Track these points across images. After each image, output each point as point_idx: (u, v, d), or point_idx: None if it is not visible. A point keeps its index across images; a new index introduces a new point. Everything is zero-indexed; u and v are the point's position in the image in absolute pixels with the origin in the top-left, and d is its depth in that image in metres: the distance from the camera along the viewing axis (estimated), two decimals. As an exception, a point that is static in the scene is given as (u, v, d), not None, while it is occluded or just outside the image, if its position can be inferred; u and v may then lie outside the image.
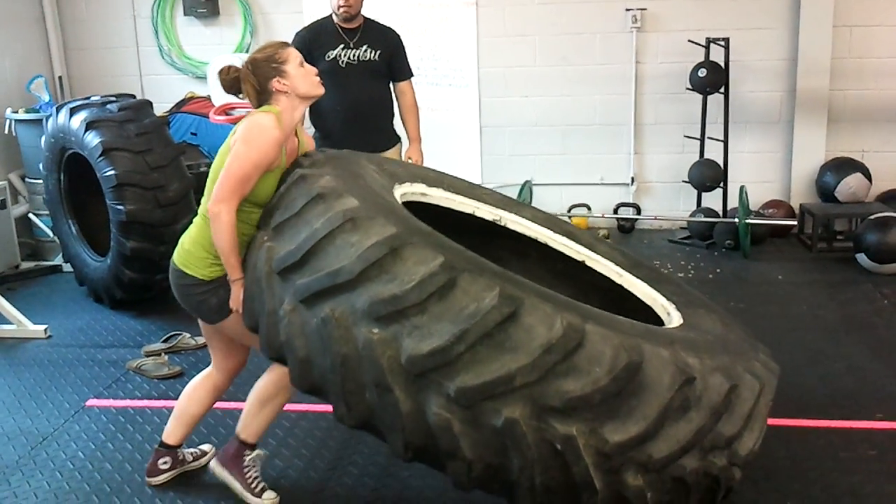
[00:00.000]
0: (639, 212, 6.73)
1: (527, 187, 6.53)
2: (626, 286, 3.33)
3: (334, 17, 4.49)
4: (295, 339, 2.43)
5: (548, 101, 6.64)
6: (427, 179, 3.38)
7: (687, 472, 2.34)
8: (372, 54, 4.48)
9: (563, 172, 6.75)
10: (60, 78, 7.06)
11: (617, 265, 3.41)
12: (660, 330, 2.68)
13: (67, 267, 5.70)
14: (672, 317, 3.00)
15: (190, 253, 2.84)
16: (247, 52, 6.85)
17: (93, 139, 4.81)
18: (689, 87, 6.22)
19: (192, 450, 3.28)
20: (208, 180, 2.85)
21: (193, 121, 6.77)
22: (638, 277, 3.33)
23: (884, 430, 3.42)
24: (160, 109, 6.69)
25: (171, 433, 3.17)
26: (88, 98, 5.26)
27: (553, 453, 2.23)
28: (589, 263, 3.46)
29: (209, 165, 6.80)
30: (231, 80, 2.89)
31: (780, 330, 4.48)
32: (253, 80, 2.84)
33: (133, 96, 5.82)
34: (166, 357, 4.22)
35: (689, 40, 6.28)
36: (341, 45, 4.43)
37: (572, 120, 6.68)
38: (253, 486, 2.98)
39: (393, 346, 2.26)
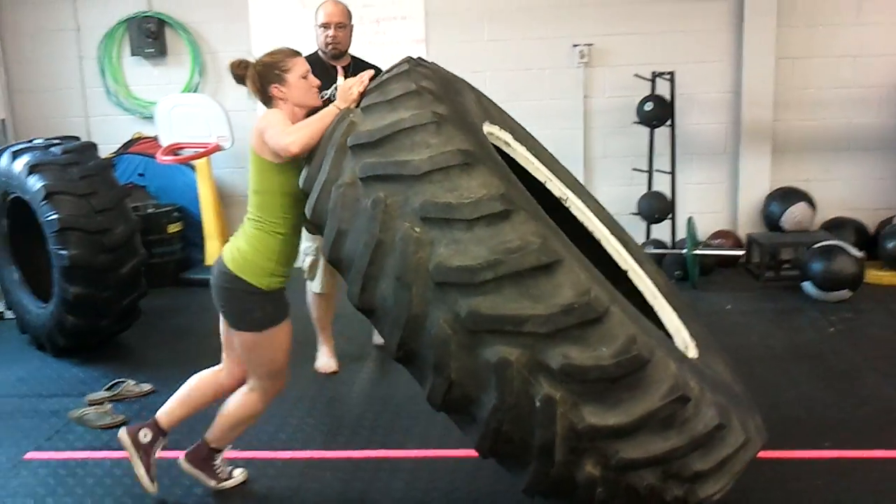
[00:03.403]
0: (591, 244, 6.76)
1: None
2: (656, 309, 3.32)
3: (321, 54, 4.36)
4: (342, 209, 2.47)
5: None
6: (515, 132, 3.42)
7: (643, 485, 2.35)
8: None
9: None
10: (3, 121, 6.93)
11: (656, 286, 3.41)
12: (677, 348, 2.71)
13: (10, 314, 5.56)
14: (689, 352, 3.01)
15: (250, 261, 2.89)
16: (195, 91, 6.82)
17: (35, 183, 4.72)
18: (637, 120, 6.30)
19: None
20: (250, 192, 2.94)
21: (140, 162, 6.72)
22: (671, 306, 3.33)
23: (832, 458, 3.44)
24: (106, 151, 6.64)
25: (164, 412, 3.22)
26: (31, 141, 5.17)
27: (530, 408, 2.25)
28: (631, 275, 3.45)
29: (156, 206, 6.77)
30: (239, 75, 2.98)
31: (731, 360, 4.49)
32: (256, 81, 2.94)
33: (77, 138, 5.77)
34: (110, 406, 4.11)
35: (636, 75, 6.37)
36: (335, 85, 4.25)
37: (523, 154, 6.70)
38: (221, 474, 3.25)
39: (426, 249, 2.30)
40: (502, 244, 2.25)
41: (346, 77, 4.23)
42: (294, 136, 2.75)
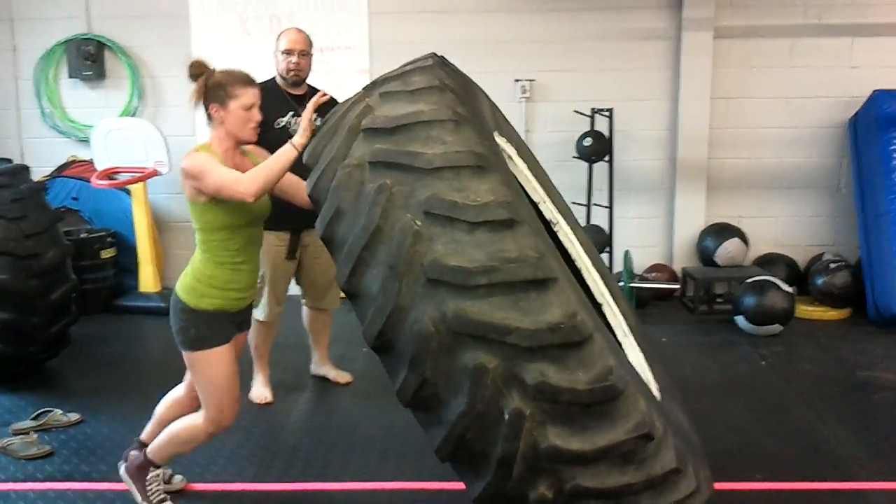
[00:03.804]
0: (531, 276, 6.81)
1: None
2: (625, 346, 3.32)
3: (279, 80, 4.31)
4: (344, 190, 2.43)
5: None
6: (520, 148, 3.43)
7: None
8: (320, 122, 4.34)
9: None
10: (-68, 140, 6.74)
11: (628, 325, 3.42)
12: (647, 386, 2.73)
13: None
14: (653, 393, 3.00)
15: (188, 282, 2.97)
16: (133, 115, 6.71)
17: (-37, 206, 4.58)
18: (576, 155, 6.40)
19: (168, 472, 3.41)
20: (196, 229, 2.98)
21: (74, 185, 6.58)
22: (639, 346, 3.34)
23: (763, 490, 3.49)
24: (40, 174, 6.48)
25: (146, 432, 3.33)
26: (-40, 162, 5.02)
27: (497, 419, 2.23)
28: (605, 309, 3.45)
29: (90, 231, 6.62)
30: (193, 76, 2.98)
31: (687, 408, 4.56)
32: (202, 89, 2.96)
33: (10, 160, 5.63)
34: (35, 436, 3.97)
35: (576, 111, 6.48)
36: (291, 113, 4.23)
37: (464, 186, 6.74)
38: (152, 497, 3.21)
39: (424, 244, 2.27)
40: (501, 252, 2.24)
41: (302, 106, 4.23)
42: (247, 185, 2.77)
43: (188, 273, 3.00)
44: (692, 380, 4.83)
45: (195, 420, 3.10)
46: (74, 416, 4.21)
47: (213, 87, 2.94)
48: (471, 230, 2.27)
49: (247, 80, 3.00)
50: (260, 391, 4.45)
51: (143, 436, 3.34)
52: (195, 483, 3.52)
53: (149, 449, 3.21)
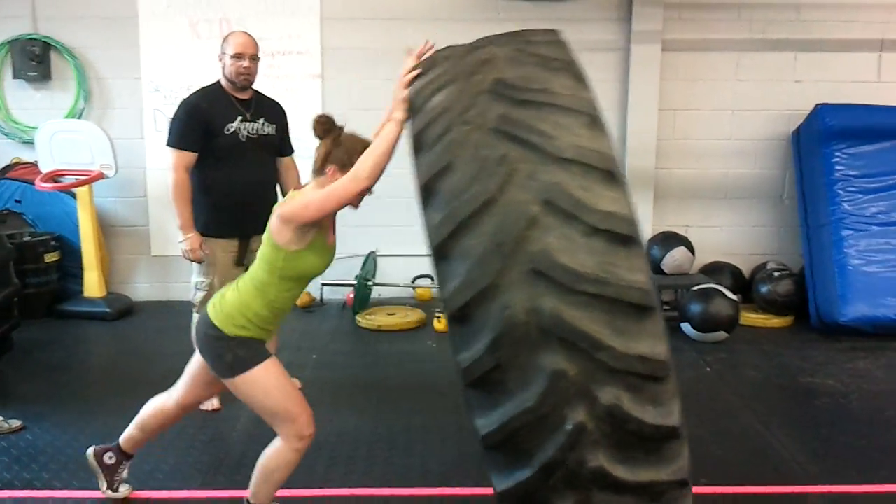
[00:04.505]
0: (481, 283, 6.84)
1: (371, 258, 6.53)
2: None
3: (224, 83, 4.21)
4: (459, 147, 2.32)
5: (394, 172, 6.65)
6: None
7: None
8: (269, 128, 4.26)
9: (408, 244, 6.78)
10: None
11: None
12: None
13: None
14: None
15: (227, 311, 2.84)
16: (79, 117, 6.58)
17: None
18: (527, 163, 6.44)
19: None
20: (259, 258, 2.86)
21: (18, 188, 6.44)
22: None
23: (708, 494, 3.54)
24: (-19, 175, 6.31)
25: (124, 436, 3.30)
26: None
27: (557, 425, 2.19)
28: None
29: (33, 235, 6.47)
30: (322, 132, 2.85)
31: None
32: (328, 148, 2.82)
33: (-51, 161, 5.48)
34: (-27, 443, 3.87)
35: (527, 119, 6.53)
36: (239, 118, 4.15)
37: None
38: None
39: (537, 232, 2.19)
40: (613, 267, 2.18)
41: (249, 111, 4.20)
42: (358, 176, 2.65)
43: (229, 302, 2.86)
44: (640, 386, 4.88)
45: (275, 446, 2.97)
46: (16, 423, 4.10)
47: (337, 150, 2.81)
48: (588, 234, 2.20)
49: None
50: (207, 397, 4.39)
51: (122, 440, 3.29)
52: (140, 491, 3.46)
53: (251, 495, 3.05)
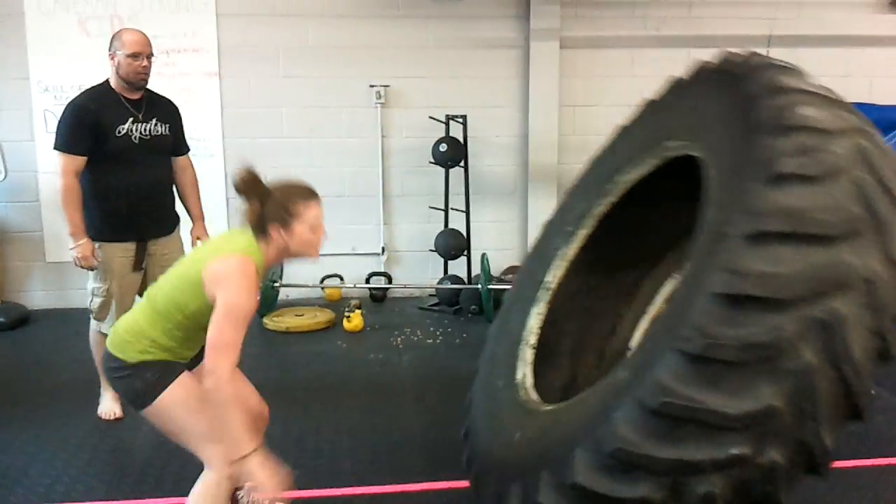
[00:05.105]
0: (390, 280, 6.86)
1: (277, 260, 6.44)
2: None
3: (115, 83, 4.03)
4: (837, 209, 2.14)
5: (298, 172, 6.46)
6: None
7: None
8: (162, 129, 4.11)
9: (314, 244, 6.74)
10: None
11: None
12: None
13: None
14: None
15: (118, 338, 2.66)
16: (-37, 119, 6.29)
17: None
18: (433, 160, 6.48)
19: None
20: (164, 294, 2.65)
21: None
22: None
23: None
24: None
25: None
26: None
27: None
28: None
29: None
30: (247, 190, 2.63)
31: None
32: (257, 209, 2.62)
33: None
34: None
35: (430, 117, 6.57)
36: (130, 119, 3.99)
37: (323, 191, 6.37)
38: None
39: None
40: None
41: (141, 112, 4.07)
42: (222, 377, 2.44)
43: (122, 328, 2.67)
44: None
45: (203, 481, 2.67)
46: None
47: (272, 207, 2.61)
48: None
49: (310, 193, 2.70)
50: (109, 406, 4.25)
51: None
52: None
53: None
